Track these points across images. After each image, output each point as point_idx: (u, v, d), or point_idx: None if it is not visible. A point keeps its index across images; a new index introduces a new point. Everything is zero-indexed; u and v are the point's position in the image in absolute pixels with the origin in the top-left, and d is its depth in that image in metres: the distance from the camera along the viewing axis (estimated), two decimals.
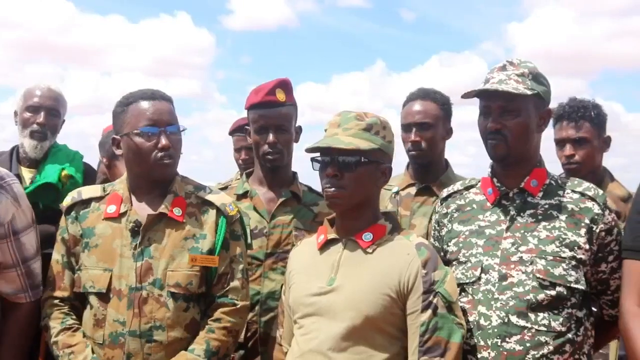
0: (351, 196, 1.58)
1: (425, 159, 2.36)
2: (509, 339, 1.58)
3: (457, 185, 1.87)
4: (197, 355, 1.68)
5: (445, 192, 1.89)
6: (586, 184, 1.73)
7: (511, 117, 1.66)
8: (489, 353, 1.59)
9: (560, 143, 2.47)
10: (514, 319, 1.58)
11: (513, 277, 1.62)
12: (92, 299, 1.73)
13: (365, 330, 1.52)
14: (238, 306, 1.77)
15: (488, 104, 1.69)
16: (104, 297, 1.71)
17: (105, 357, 1.69)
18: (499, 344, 1.58)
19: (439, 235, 1.85)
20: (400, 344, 1.54)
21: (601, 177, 2.45)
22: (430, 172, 2.37)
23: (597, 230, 1.65)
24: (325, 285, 1.58)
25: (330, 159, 1.58)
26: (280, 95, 2.16)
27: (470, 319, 1.63)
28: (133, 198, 1.80)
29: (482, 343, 1.60)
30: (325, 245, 1.65)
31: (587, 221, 1.66)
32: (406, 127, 2.36)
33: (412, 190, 2.38)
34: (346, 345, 1.51)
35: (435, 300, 1.52)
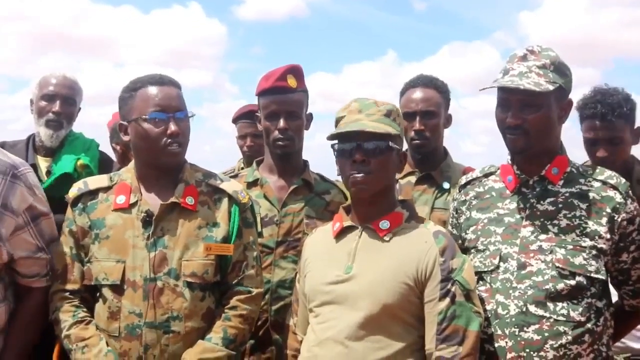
0: (378, 182, 1.58)
1: (428, 148, 2.33)
2: (527, 328, 1.56)
3: (477, 172, 1.85)
4: (214, 344, 1.67)
5: (464, 179, 1.87)
6: (608, 172, 1.70)
7: (532, 112, 1.61)
8: (506, 342, 1.57)
9: (592, 142, 2.31)
10: (532, 308, 1.57)
11: (532, 266, 1.60)
12: (106, 291, 1.71)
13: (382, 318, 1.51)
14: (253, 293, 1.76)
15: (507, 96, 1.64)
16: (118, 289, 1.69)
17: (122, 350, 1.67)
18: (516, 333, 1.57)
19: (457, 223, 1.83)
20: (417, 333, 1.54)
21: (631, 166, 2.35)
22: (431, 160, 2.35)
23: (619, 220, 1.63)
24: (342, 274, 1.57)
25: (357, 144, 1.55)
26: (292, 81, 2.14)
27: (488, 307, 1.62)
28: (142, 187, 1.77)
29: (499, 332, 1.59)
30: (341, 233, 1.64)
31: (608, 210, 1.63)
32: (409, 115, 2.31)
33: (412, 178, 2.35)
34: (363, 333, 1.51)
35: (453, 289, 1.51)
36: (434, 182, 2.31)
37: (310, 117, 2.24)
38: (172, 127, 1.70)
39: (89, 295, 1.77)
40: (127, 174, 1.81)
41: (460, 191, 1.86)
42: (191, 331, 1.69)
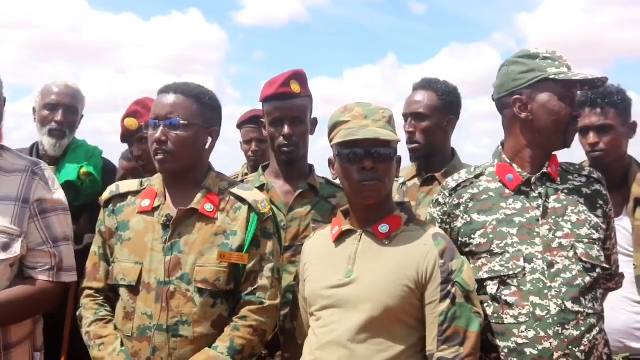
0: (386, 188, 1.59)
1: (420, 151, 2.33)
2: (568, 325, 1.58)
3: (464, 174, 1.81)
4: (220, 353, 1.65)
5: (452, 183, 1.81)
6: (587, 168, 1.80)
7: None
8: (551, 343, 1.57)
9: (583, 130, 2.33)
10: (569, 305, 1.59)
11: (558, 263, 1.63)
12: (123, 292, 1.74)
13: (384, 321, 1.52)
14: (265, 305, 1.72)
15: (574, 90, 1.71)
16: (133, 290, 1.72)
17: (134, 350, 1.69)
18: (560, 332, 1.57)
19: (450, 228, 1.78)
20: (418, 334, 1.54)
21: (628, 166, 2.34)
22: (434, 162, 2.34)
23: (607, 210, 1.73)
24: (343, 278, 1.58)
25: (366, 151, 1.55)
26: (295, 87, 2.14)
27: (524, 311, 1.60)
28: (167, 193, 1.80)
29: (542, 334, 1.58)
30: (340, 237, 1.65)
31: (600, 202, 1.73)
32: (405, 118, 2.36)
33: (418, 180, 2.37)
34: (365, 336, 1.51)
35: (453, 290, 1.52)
36: (439, 184, 2.28)
37: (315, 122, 2.25)
38: (157, 133, 1.72)
39: (113, 295, 1.80)
40: (157, 179, 1.84)
41: (451, 195, 1.79)
42: (200, 337, 1.68)
